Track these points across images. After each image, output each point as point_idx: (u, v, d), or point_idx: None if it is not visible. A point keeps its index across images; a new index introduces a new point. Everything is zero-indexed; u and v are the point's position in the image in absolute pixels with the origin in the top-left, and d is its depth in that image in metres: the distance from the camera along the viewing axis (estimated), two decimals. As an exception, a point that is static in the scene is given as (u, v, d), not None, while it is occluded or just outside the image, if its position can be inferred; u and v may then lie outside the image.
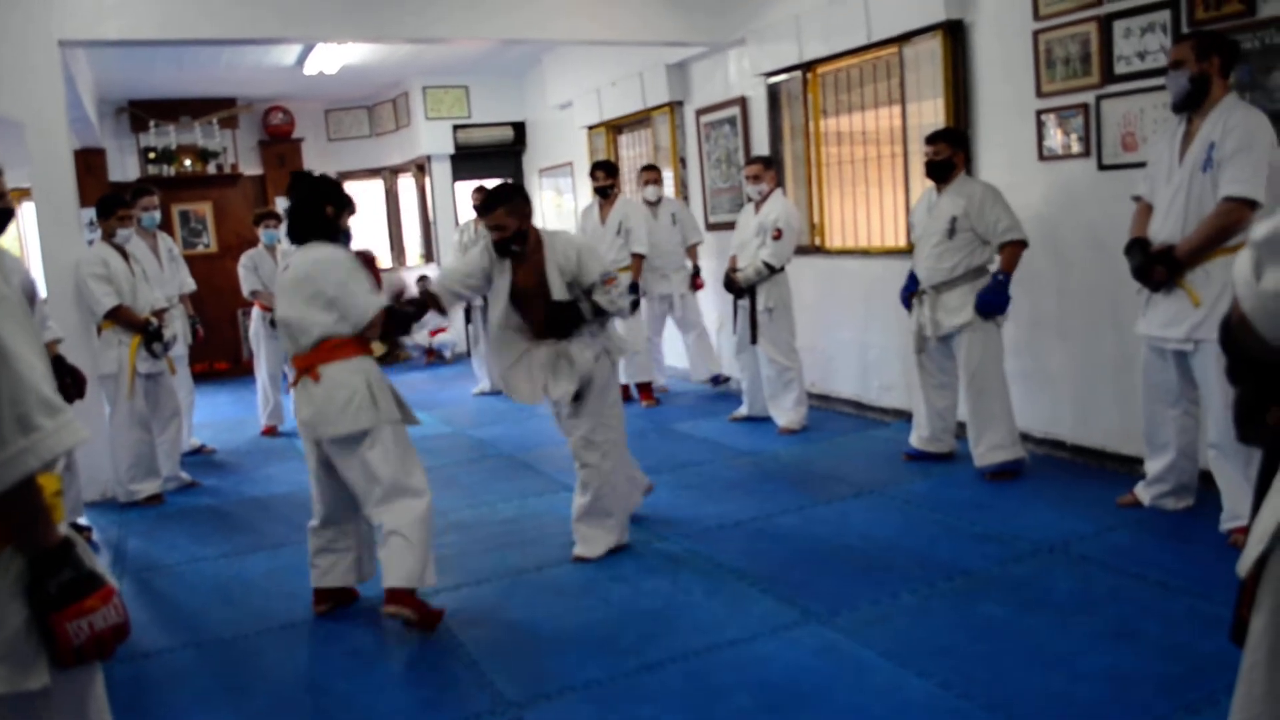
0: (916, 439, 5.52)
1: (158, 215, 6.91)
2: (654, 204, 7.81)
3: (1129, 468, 4.89)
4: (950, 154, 5.10)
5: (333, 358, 3.66)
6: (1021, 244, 4.97)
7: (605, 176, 7.70)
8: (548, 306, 4.23)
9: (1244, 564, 1.45)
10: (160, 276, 6.66)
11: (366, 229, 12.51)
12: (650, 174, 7.89)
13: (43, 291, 5.21)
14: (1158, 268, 3.98)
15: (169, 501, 5.86)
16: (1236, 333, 1.35)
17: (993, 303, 4.96)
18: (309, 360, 3.69)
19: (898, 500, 4.90)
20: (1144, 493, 4.41)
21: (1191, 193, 3.89)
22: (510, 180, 4.46)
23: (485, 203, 4.22)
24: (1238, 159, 3.73)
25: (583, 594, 3.99)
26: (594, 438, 4.34)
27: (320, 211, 3.77)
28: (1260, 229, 1.31)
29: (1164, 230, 4.00)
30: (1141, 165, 4.51)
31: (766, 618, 3.63)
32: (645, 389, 7.82)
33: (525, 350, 4.35)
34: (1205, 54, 3.86)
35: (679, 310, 7.87)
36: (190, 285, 7.13)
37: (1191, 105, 3.92)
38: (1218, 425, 3.90)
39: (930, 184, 5.27)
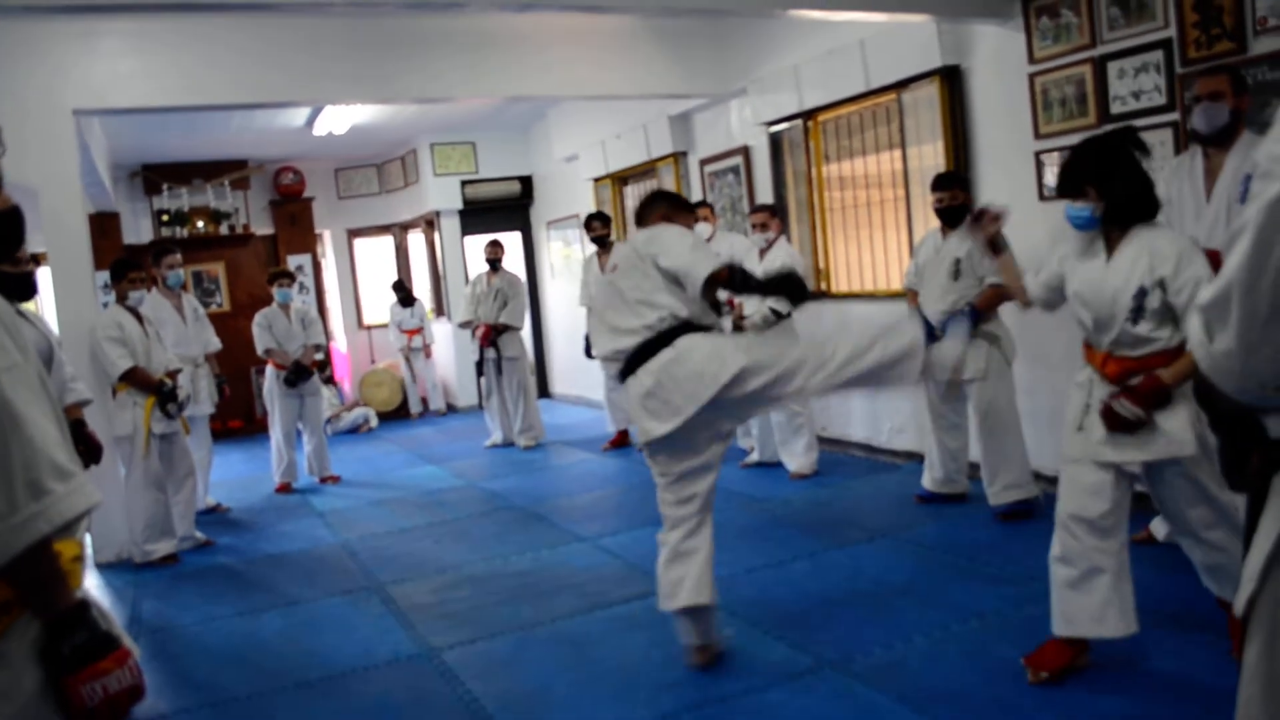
0: (929, 481, 5.51)
1: (182, 274, 6.97)
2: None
3: (1141, 505, 4.86)
4: (964, 199, 5.14)
5: None
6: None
7: (601, 226, 7.84)
8: None
9: (1238, 603, 1.48)
10: (185, 335, 6.76)
11: (379, 285, 12.64)
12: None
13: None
14: None
15: (184, 561, 5.87)
16: (1205, 389, 1.42)
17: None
18: None
19: (910, 543, 4.88)
20: (1159, 528, 4.39)
21: (1231, 227, 3.85)
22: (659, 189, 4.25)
23: (638, 215, 4.18)
24: None
25: (597, 645, 3.97)
26: None
27: None
28: (1205, 294, 1.39)
29: None
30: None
31: (780, 665, 3.61)
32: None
33: None
34: (1240, 89, 3.88)
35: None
36: (215, 344, 7.14)
37: (1226, 138, 3.88)
38: None
39: (933, 225, 5.30)
